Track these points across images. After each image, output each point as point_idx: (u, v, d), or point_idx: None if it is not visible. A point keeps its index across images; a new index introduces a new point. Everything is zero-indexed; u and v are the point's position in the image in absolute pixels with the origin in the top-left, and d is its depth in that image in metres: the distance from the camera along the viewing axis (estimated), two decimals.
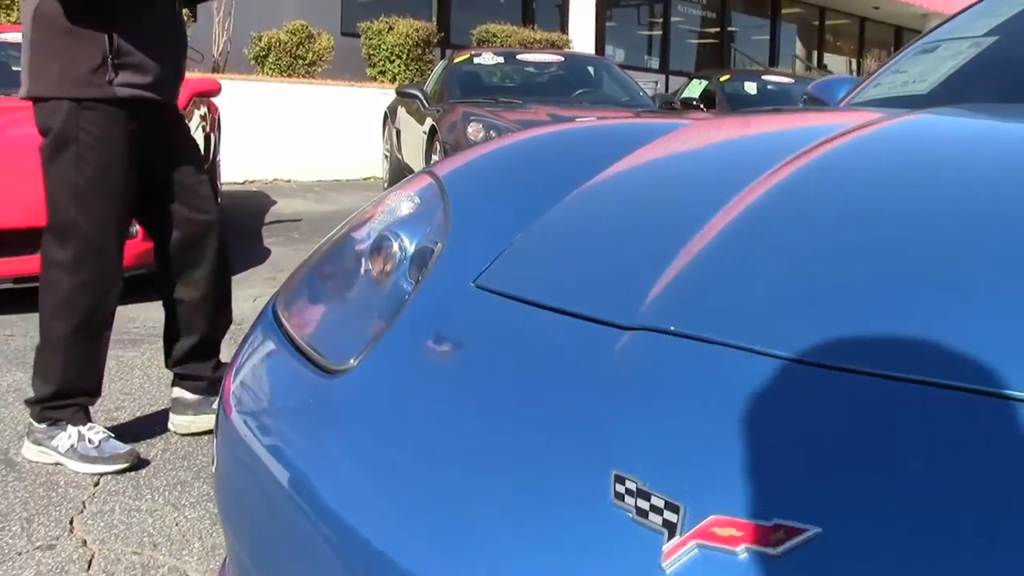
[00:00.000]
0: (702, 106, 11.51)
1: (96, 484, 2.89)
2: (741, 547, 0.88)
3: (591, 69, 9.77)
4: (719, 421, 1.02)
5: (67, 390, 3.10)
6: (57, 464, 3.04)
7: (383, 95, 13.13)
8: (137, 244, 5.10)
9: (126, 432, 3.27)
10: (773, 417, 1.01)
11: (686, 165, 1.83)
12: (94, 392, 3.18)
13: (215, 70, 13.12)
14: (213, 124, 8.24)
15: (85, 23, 3.04)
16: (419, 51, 14.82)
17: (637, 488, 0.96)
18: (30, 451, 3.11)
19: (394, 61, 14.76)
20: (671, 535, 0.91)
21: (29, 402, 3.14)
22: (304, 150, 12.61)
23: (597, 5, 18.14)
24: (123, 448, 3.07)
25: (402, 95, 9.19)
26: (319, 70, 13.96)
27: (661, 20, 22.62)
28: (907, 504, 0.88)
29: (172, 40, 3.28)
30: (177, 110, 3.44)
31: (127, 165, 3.11)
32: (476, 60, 9.53)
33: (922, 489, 0.88)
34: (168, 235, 3.29)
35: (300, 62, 13.75)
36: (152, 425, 3.39)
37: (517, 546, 1.01)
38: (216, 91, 7.41)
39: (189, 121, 7.12)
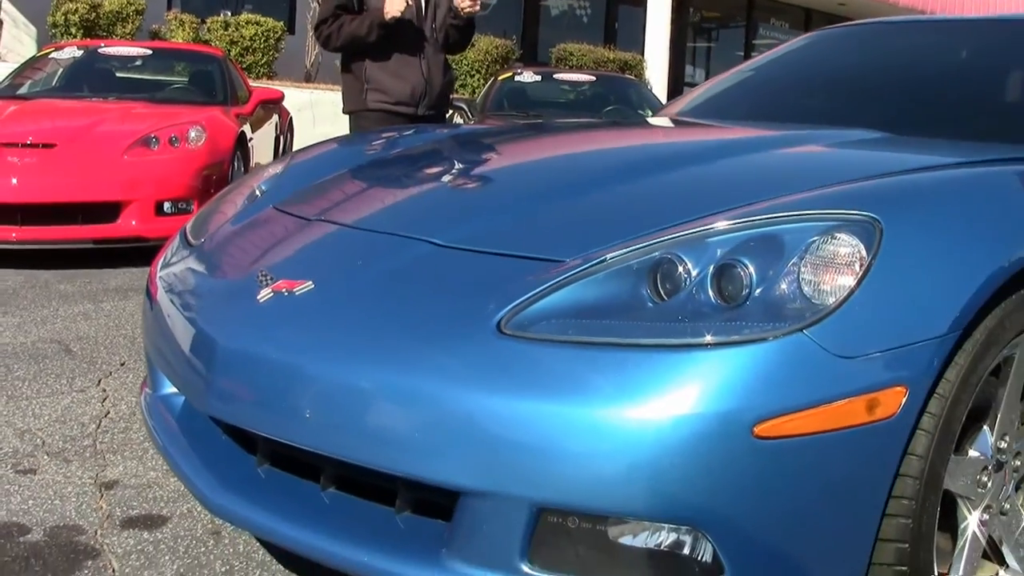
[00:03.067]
0: None
1: (123, 364, 4.24)
2: (284, 290, 2.16)
3: (621, 89, 11.00)
4: (304, 250, 2.35)
5: None
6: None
7: None
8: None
9: None
10: (325, 251, 2.33)
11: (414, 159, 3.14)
12: None
13: (307, 79, 14.62)
14: (284, 127, 9.68)
15: (353, 64, 5.08)
16: (497, 67, 16.14)
17: (263, 273, 2.26)
18: None
19: (474, 76, 16.11)
20: (262, 290, 2.20)
21: None
22: None
23: (672, 27, 19.29)
24: None
25: (450, 106, 10.53)
26: None
27: (743, 43, 23.70)
28: (347, 280, 2.17)
29: (414, 69, 5.05)
30: (436, 118, 5.22)
31: None
32: (517, 78, 10.82)
33: (358, 275, 2.18)
34: None
35: None
36: None
37: (221, 302, 2.32)
38: (279, 99, 8.86)
39: (264, 124, 8.60)
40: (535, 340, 1.80)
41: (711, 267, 1.83)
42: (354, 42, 4.95)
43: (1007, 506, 2.21)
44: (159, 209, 6.48)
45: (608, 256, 1.93)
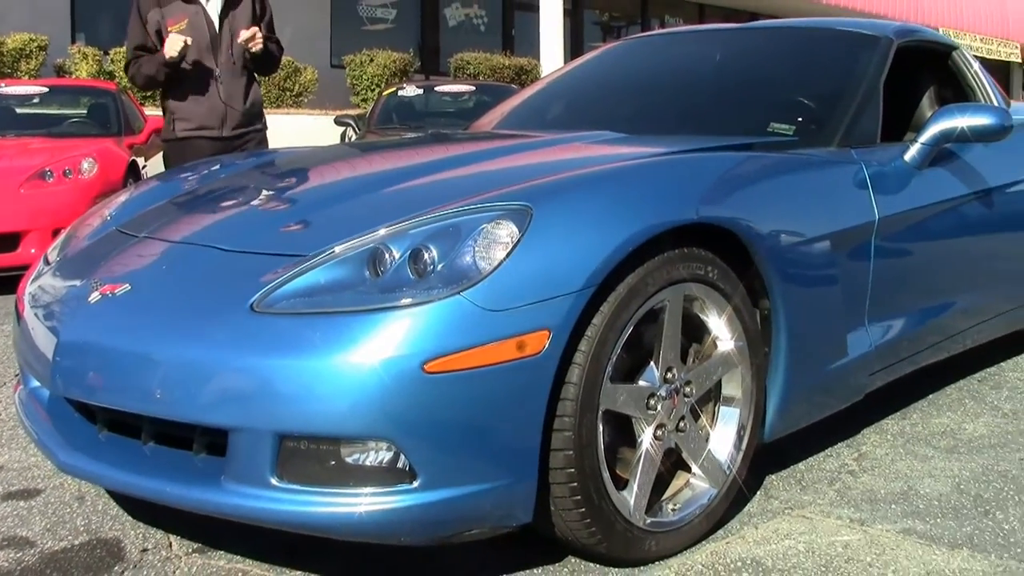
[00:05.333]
0: None
1: (16, 376, 4.81)
2: (108, 292, 2.78)
3: (501, 95, 11.60)
4: (129, 261, 2.96)
5: None
6: None
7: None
8: None
9: None
10: (144, 260, 2.94)
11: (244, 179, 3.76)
12: None
13: None
14: None
15: (161, 98, 5.68)
16: (397, 80, 16.76)
17: (96, 280, 2.87)
18: None
19: (374, 89, 16.71)
20: (92, 293, 2.81)
21: None
22: None
23: (569, 29, 19.98)
24: None
25: (338, 123, 11.17)
26: (305, 100, 15.97)
27: None
28: (155, 281, 2.80)
29: (211, 94, 5.55)
30: (250, 136, 5.69)
31: None
32: (401, 92, 11.49)
33: (164, 277, 2.80)
34: None
35: (288, 94, 15.79)
36: None
37: (64, 305, 2.92)
38: None
39: (160, 151, 9.16)
40: (277, 314, 2.44)
41: (408, 251, 2.47)
42: (150, 82, 5.56)
43: (684, 424, 2.85)
44: (56, 236, 7.04)
45: (337, 248, 2.57)
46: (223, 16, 5.49)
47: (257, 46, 5.42)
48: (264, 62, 5.68)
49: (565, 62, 18.83)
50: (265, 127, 5.79)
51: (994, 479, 3.37)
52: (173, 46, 5.30)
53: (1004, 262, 4.45)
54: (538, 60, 19.46)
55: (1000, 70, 34.61)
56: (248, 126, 5.63)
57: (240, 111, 5.58)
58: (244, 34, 5.38)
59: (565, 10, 20.24)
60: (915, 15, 27.64)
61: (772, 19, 24.84)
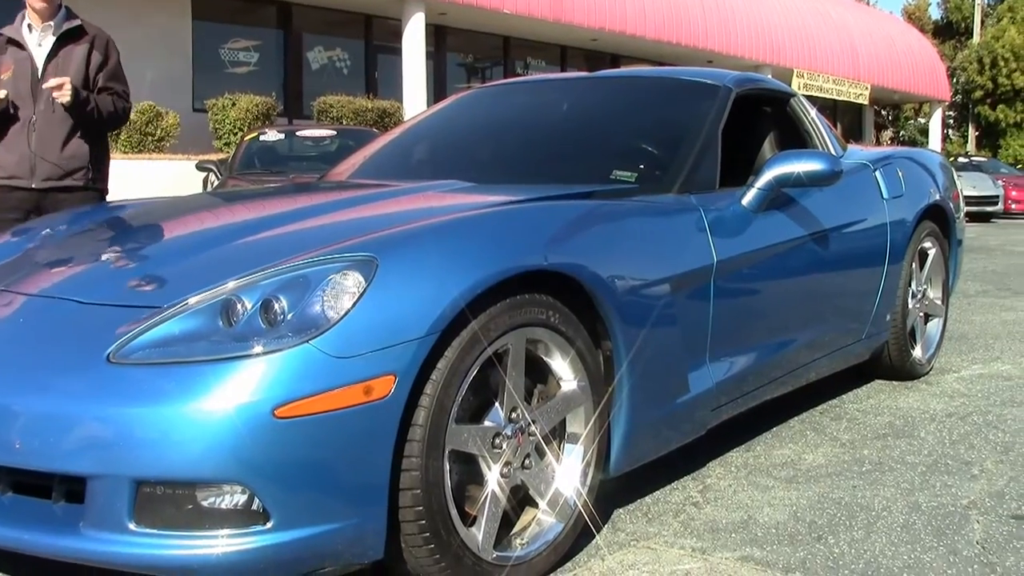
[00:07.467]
0: None
1: None
2: None
3: (361, 139, 11.69)
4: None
5: None
6: None
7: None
8: None
9: None
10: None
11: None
12: None
13: None
14: None
15: None
16: (260, 123, 16.71)
17: None
18: None
19: (237, 134, 16.64)
20: None
21: None
22: None
23: (429, 73, 20.19)
24: None
25: (200, 168, 11.18)
26: (167, 145, 15.87)
27: None
28: (11, 334, 2.85)
29: (21, 143, 5.22)
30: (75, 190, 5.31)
31: None
32: (262, 137, 11.54)
33: (20, 330, 2.85)
34: None
35: (150, 138, 15.67)
36: None
37: None
38: None
39: None
40: (133, 364, 2.51)
41: (259, 302, 2.57)
42: None
43: (529, 462, 2.98)
44: None
45: (190, 300, 2.66)
46: (48, 62, 5.23)
47: (63, 97, 5.05)
48: (89, 115, 5.26)
49: (429, 104, 19.06)
50: (92, 183, 5.41)
51: (828, 506, 3.56)
52: None
53: (841, 299, 4.69)
54: (401, 103, 19.61)
55: (852, 111, 35.75)
56: (63, 179, 5.28)
57: (51, 162, 5.23)
58: (52, 82, 5.06)
59: (428, 52, 20.49)
60: (774, 56, 28.41)
61: (632, 61, 25.43)
